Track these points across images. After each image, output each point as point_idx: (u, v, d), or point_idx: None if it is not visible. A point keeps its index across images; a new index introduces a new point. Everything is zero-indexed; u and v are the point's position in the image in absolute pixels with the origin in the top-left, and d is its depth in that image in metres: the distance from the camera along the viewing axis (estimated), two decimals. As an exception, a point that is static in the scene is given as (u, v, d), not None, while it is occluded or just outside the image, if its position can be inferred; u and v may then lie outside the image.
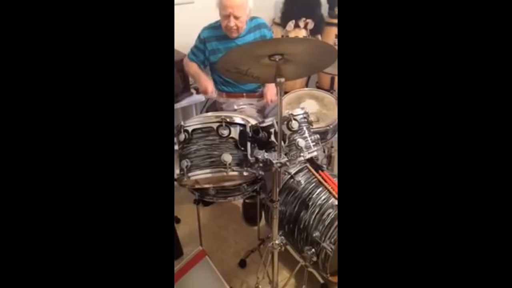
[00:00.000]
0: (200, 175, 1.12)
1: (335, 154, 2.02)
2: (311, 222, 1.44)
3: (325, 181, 1.52)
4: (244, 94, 1.94)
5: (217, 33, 1.80)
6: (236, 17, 1.66)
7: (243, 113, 1.76)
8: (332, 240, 1.36)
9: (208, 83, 1.75)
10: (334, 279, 1.51)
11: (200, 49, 1.85)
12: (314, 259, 1.40)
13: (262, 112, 1.92)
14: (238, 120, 1.17)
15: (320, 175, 1.56)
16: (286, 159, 1.08)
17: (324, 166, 1.78)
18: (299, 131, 1.24)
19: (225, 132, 1.12)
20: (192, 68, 1.87)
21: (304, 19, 2.73)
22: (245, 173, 1.15)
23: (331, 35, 2.66)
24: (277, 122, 1.14)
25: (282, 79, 0.99)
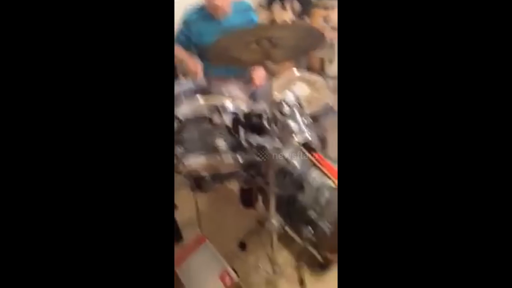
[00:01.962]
0: (195, 161, 1.14)
1: (328, 137, 2.05)
2: (308, 203, 1.48)
3: (320, 163, 1.56)
4: (232, 77, 1.94)
5: (201, 15, 1.78)
6: None
7: (233, 97, 1.77)
8: (329, 219, 1.41)
9: (197, 66, 1.74)
10: (332, 257, 1.56)
11: (183, 33, 1.83)
12: (314, 239, 1.45)
13: (252, 96, 1.92)
14: (230, 106, 1.19)
15: (314, 157, 1.59)
16: (280, 144, 1.11)
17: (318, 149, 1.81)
18: (291, 115, 1.26)
19: (217, 119, 1.14)
20: (178, 51, 1.85)
21: (290, 1, 2.71)
22: (240, 160, 1.17)
23: (319, 17, 2.65)
24: (268, 107, 1.16)
25: (271, 63, 1.01)
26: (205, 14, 1.76)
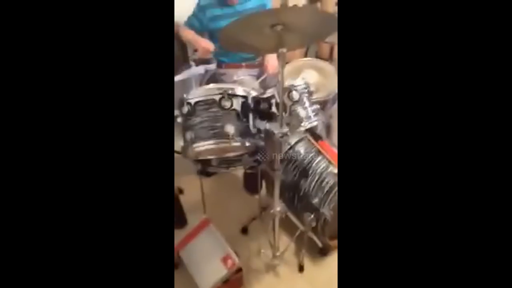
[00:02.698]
0: (204, 146, 1.15)
1: (334, 124, 2.05)
2: (310, 189, 1.50)
3: (324, 150, 1.56)
4: (244, 64, 1.93)
5: (216, 0, 1.77)
6: None
7: (243, 84, 1.76)
8: (331, 206, 1.42)
9: (207, 43, 1.74)
10: (333, 243, 1.58)
11: (200, 18, 1.82)
12: (314, 224, 1.47)
13: (262, 82, 1.92)
14: (239, 91, 1.18)
15: (319, 144, 1.59)
16: (287, 129, 1.11)
17: (324, 136, 1.81)
18: (299, 102, 1.26)
19: (227, 104, 1.14)
20: (189, 33, 1.84)
21: (303, -15, 2.66)
22: (247, 144, 1.18)
23: (331, 2, 2.60)
24: (278, 93, 1.16)
25: (284, 50, 1.00)
26: None
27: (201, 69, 2.22)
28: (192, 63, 2.24)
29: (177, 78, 2.24)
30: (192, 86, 2.38)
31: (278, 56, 1.02)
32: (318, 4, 2.81)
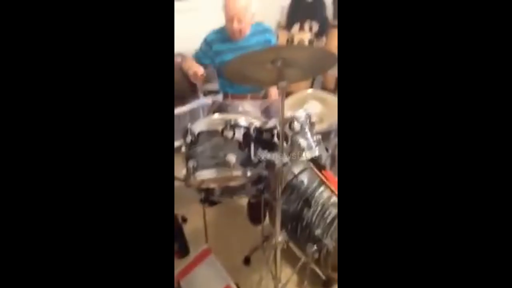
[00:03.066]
0: (206, 175, 1.17)
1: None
2: (313, 220, 1.49)
3: (328, 180, 1.56)
4: (249, 96, 1.99)
5: (221, 36, 1.89)
6: (239, 20, 1.75)
7: (247, 115, 1.81)
8: (334, 237, 1.40)
9: (198, 68, 1.81)
10: (336, 275, 1.55)
11: (206, 53, 1.91)
12: (316, 256, 1.45)
13: (266, 113, 1.97)
14: (242, 122, 1.22)
15: (323, 174, 1.60)
16: (287, 159, 1.13)
17: (328, 165, 1.82)
18: (301, 132, 1.28)
19: (229, 134, 1.17)
20: (187, 61, 1.94)
21: (309, 21, 2.78)
22: (248, 173, 1.20)
23: (334, 38, 2.70)
24: (279, 124, 1.19)
25: (284, 83, 1.04)
26: (225, 34, 1.85)
27: (208, 100, 2.30)
28: (201, 94, 2.33)
29: (185, 108, 2.32)
30: (200, 116, 2.46)
31: (278, 89, 1.06)
32: (324, 39, 2.92)
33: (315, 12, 2.79)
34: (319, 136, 1.35)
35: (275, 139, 1.24)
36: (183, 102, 2.19)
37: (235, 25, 1.76)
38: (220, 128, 1.17)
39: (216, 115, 1.36)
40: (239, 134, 1.19)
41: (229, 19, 1.75)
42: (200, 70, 1.79)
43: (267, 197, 1.59)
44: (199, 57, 1.94)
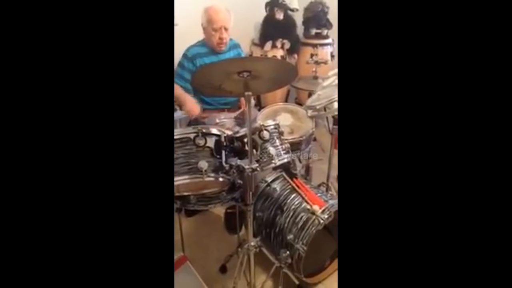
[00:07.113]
0: (178, 181, 1.22)
1: (312, 165, 2.15)
2: (285, 225, 1.54)
3: (299, 187, 1.64)
4: (226, 110, 2.07)
5: (204, 50, 1.99)
6: (226, 29, 1.89)
7: (223, 125, 1.88)
8: (304, 241, 1.46)
9: (194, 105, 1.87)
10: (309, 280, 1.60)
11: (189, 69, 1.98)
12: (289, 261, 1.50)
13: (242, 125, 2.04)
14: (213, 130, 1.29)
15: (294, 182, 1.67)
16: (256, 165, 1.20)
17: (302, 176, 1.89)
18: (270, 140, 1.36)
19: (201, 142, 1.23)
20: (177, 89, 1.96)
21: (281, 39, 2.91)
22: (220, 179, 1.25)
23: (306, 54, 2.84)
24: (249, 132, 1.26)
25: (250, 93, 1.12)
26: (207, 48, 1.98)
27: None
28: (177, 107, 2.37)
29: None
30: (177, 128, 2.50)
31: (245, 99, 1.13)
32: (295, 55, 3.06)
33: (286, 30, 2.93)
34: (288, 145, 1.44)
35: (246, 147, 1.31)
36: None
37: (224, 34, 1.88)
38: (192, 136, 1.23)
39: (191, 126, 1.43)
40: (210, 142, 1.25)
41: (217, 29, 1.87)
42: (197, 109, 1.85)
43: (240, 205, 1.64)
44: (180, 74, 2.00)
